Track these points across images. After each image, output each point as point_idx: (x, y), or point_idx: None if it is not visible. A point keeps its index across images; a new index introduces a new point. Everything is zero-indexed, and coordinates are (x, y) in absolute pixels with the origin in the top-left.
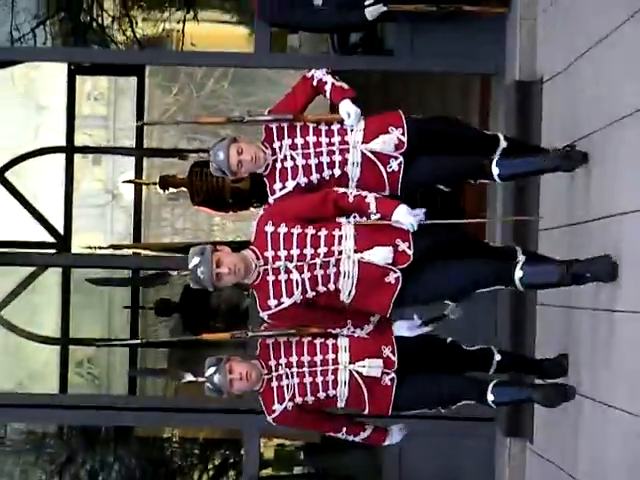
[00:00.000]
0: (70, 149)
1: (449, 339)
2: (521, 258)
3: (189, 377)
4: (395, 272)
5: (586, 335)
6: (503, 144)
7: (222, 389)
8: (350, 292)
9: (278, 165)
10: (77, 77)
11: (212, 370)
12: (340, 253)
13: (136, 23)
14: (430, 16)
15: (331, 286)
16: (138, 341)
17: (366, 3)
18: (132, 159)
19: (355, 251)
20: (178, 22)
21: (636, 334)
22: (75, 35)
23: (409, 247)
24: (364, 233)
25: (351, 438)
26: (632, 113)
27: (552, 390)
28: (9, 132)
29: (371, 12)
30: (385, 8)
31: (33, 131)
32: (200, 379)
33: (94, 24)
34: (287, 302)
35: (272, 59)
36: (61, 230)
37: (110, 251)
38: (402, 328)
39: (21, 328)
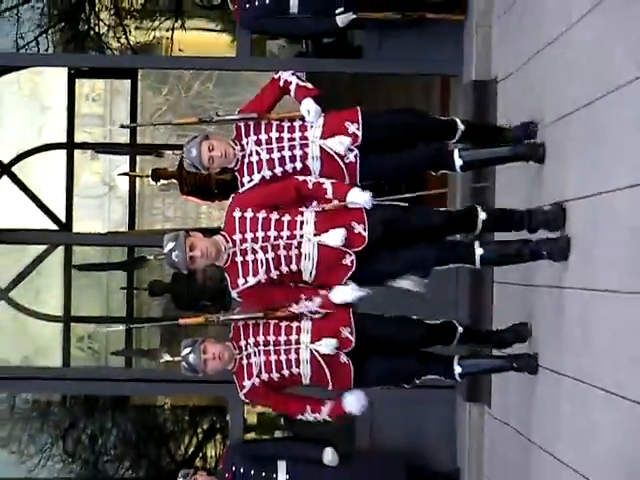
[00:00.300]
0: (70, 145)
1: (414, 317)
2: (481, 215)
3: (166, 357)
4: (350, 255)
5: (540, 310)
6: (461, 127)
7: (197, 368)
8: (311, 272)
9: (246, 160)
10: (76, 80)
11: (187, 350)
12: (301, 237)
13: (129, 31)
14: (395, 23)
15: (293, 267)
16: (122, 325)
17: (337, 11)
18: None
19: (315, 235)
20: (167, 30)
21: (583, 308)
22: (74, 42)
23: (364, 229)
24: (323, 218)
25: (316, 416)
26: (574, 111)
27: (529, 358)
28: (15, 130)
29: (342, 19)
30: (354, 16)
31: (37, 129)
32: (177, 359)
33: (91, 32)
34: (252, 281)
35: (252, 62)
36: (63, 218)
37: None
38: (342, 293)
39: (27, 307)
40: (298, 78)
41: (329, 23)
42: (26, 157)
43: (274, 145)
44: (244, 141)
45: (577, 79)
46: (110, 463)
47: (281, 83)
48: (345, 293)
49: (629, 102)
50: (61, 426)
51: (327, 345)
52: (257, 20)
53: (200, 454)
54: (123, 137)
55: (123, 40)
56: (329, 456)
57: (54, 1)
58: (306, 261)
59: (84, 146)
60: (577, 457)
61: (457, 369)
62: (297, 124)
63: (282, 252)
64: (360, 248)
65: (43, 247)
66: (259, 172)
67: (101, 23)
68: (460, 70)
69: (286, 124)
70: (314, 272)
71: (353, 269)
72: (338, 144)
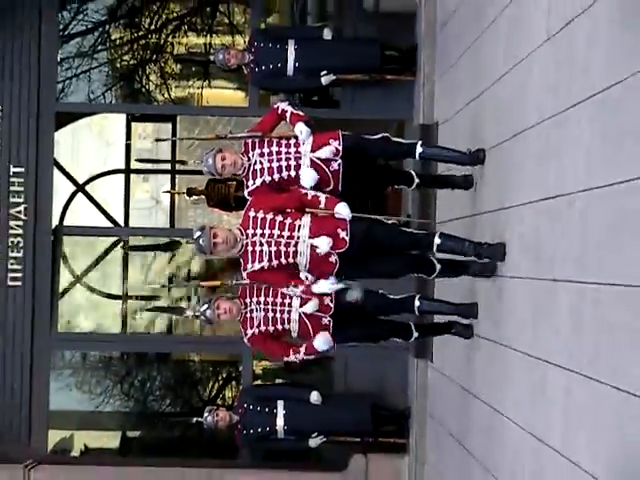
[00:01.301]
0: (127, 171)
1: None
2: (437, 240)
3: (189, 312)
4: (334, 255)
5: (483, 293)
6: (419, 149)
7: (211, 320)
8: (305, 266)
9: (251, 168)
10: (132, 123)
11: (205, 307)
12: (298, 238)
13: (171, 88)
14: (364, 83)
15: (290, 260)
16: (160, 285)
17: (322, 74)
18: (168, 176)
19: (309, 237)
20: (198, 87)
21: (517, 291)
22: (131, 96)
23: (346, 235)
24: (316, 225)
25: (297, 356)
26: (491, 147)
27: (467, 327)
28: (88, 160)
29: (325, 80)
30: (334, 77)
31: (103, 159)
32: (197, 313)
33: (143, 89)
34: (257, 266)
35: (260, 111)
36: (122, 225)
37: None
38: (322, 286)
39: (97, 289)
40: (292, 107)
41: (316, 82)
42: (95, 179)
43: (274, 157)
44: (250, 154)
45: (495, 124)
46: (155, 401)
47: (279, 111)
48: (324, 286)
49: (534, 138)
50: (119, 374)
51: (313, 308)
52: (263, 80)
53: (220, 395)
54: (166, 165)
55: (166, 95)
56: (315, 397)
57: (116, 66)
58: (301, 257)
59: (137, 171)
60: (490, 397)
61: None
62: (292, 141)
63: (282, 248)
64: (342, 250)
65: (108, 243)
66: (261, 177)
67: (150, 82)
68: (411, 115)
69: (284, 141)
70: (307, 266)
71: (337, 266)
72: (325, 151)
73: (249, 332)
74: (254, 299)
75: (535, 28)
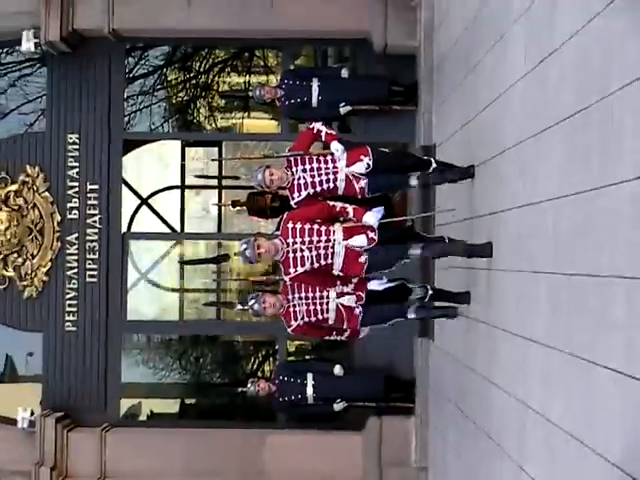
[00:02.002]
0: (183, 187)
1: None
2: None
3: (239, 306)
4: (365, 255)
5: (478, 283)
6: (434, 165)
7: (259, 313)
8: (339, 265)
9: (295, 182)
10: (186, 148)
11: (253, 301)
12: (334, 241)
13: (217, 119)
14: (375, 112)
15: (329, 261)
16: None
17: (340, 105)
18: (216, 191)
19: (343, 239)
20: (239, 118)
21: (506, 282)
22: (184, 126)
23: (375, 235)
24: (347, 230)
25: (340, 337)
26: (481, 163)
27: (450, 308)
28: (149, 178)
29: (343, 110)
30: (351, 108)
31: (163, 177)
32: (245, 307)
33: (194, 120)
34: (300, 270)
35: (290, 136)
36: (179, 230)
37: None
38: (374, 284)
39: (158, 283)
40: (327, 128)
41: (335, 112)
42: (156, 194)
43: (315, 172)
44: (294, 169)
45: (482, 145)
46: (207, 374)
47: (315, 131)
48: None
49: (512, 159)
50: (178, 352)
51: (350, 299)
52: (292, 112)
53: (260, 369)
54: (214, 181)
55: (213, 124)
56: (337, 370)
57: (172, 102)
58: (337, 258)
59: (190, 187)
60: (482, 368)
61: (411, 314)
62: (329, 158)
63: (322, 251)
64: (373, 245)
65: (167, 246)
66: (305, 190)
67: (200, 114)
68: (413, 139)
69: (322, 158)
70: (341, 265)
71: (366, 265)
72: (359, 167)
73: (293, 324)
74: (296, 295)
75: (513, 67)
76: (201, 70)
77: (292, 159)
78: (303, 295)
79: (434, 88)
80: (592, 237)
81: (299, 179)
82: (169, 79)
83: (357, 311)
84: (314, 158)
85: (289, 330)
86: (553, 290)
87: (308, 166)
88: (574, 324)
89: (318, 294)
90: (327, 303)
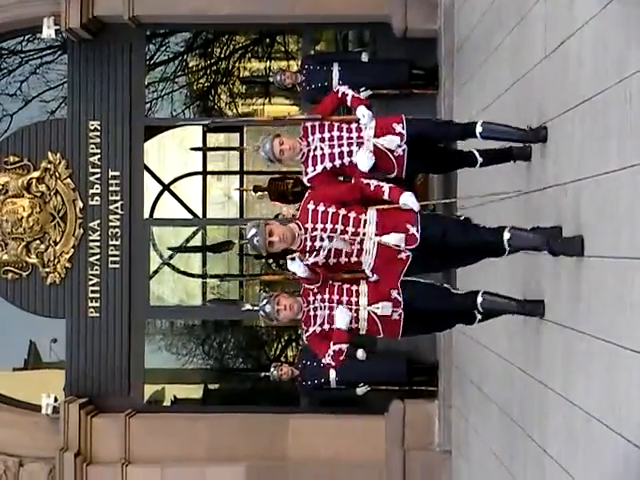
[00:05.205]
0: (204, 172)
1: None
2: (506, 235)
3: (248, 306)
4: (405, 252)
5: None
6: (479, 129)
7: (271, 316)
8: (370, 264)
9: (311, 154)
10: (207, 134)
11: (264, 302)
12: (364, 235)
13: (238, 105)
14: (395, 96)
15: (354, 259)
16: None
17: (361, 90)
18: (238, 176)
19: (376, 234)
20: (260, 104)
21: (598, 278)
22: (205, 112)
23: (417, 231)
24: (383, 220)
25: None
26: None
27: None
28: (171, 164)
29: (364, 94)
30: (371, 92)
31: (184, 163)
32: (255, 308)
33: (215, 106)
34: (311, 260)
35: None
36: (201, 216)
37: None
38: (408, 199)
39: (180, 269)
40: (353, 91)
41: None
42: (178, 180)
43: (335, 142)
44: (310, 138)
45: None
46: (230, 359)
47: (340, 94)
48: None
49: None
50: (200, 337)
51: (385, 307)
52: (313, 96)
53: (283, 354)
54: (236, 167)
55: (234, 110)
56: (360, 354)
57: (193, 88)
58: (367, 256)
59: (212, 173)
60: (502, 351)
61: (479, 299)
62: (353, 126)
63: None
64: (413, 246)
65: (189, 232)
66: (322, 163)
67: (221, 100)
68: None
69: (345, 125)
70: (372, 264)
71: (408, 262)
72: (390, 142)
73: (310, 330)
74: (318, 297)
75: (534, 48)
76: (222, 56)
77: (309, 126)
78: (327, 297)
79: (454, 71)
80: (615, 219)
81: (315, 150)
82: (190, 65)
83: (395, 316)
84: (335, 125)
85: (304, 337)
86: (572, 273)
87: (327, 134)
88: (594, 306)
89: (345, 298)
90: (356, 311)
